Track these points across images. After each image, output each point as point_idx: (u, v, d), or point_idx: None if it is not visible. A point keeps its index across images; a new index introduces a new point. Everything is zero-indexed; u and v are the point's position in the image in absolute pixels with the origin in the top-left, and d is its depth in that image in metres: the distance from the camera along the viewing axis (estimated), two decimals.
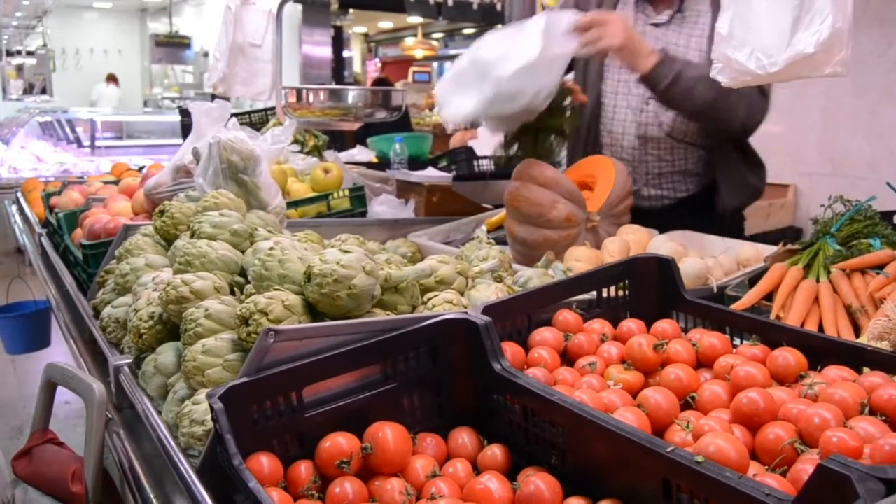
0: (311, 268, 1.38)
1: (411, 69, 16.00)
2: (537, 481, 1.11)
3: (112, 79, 15.55)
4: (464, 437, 1.28)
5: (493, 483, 1.12)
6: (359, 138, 5.42)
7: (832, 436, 1.01)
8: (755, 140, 2.61)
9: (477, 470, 1.22)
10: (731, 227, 2.57)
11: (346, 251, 1.40)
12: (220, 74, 4.38)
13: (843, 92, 4.85)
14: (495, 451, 1.24)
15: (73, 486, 1.59)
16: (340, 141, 5.18)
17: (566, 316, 1.52)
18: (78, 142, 8.07)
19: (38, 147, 7.42)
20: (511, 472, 1.19)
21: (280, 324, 1.31)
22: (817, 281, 1.75)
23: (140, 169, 3.93)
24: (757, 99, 2.41)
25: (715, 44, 1.89)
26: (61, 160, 7.12)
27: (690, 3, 2.55)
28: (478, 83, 2.09)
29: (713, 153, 2.59)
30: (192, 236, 1.78)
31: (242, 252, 1.72)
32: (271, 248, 1.49)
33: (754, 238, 2.62)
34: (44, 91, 13.06)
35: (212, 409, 1.11)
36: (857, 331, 1.65)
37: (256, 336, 1.29)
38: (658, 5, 2.59)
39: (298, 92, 2.71)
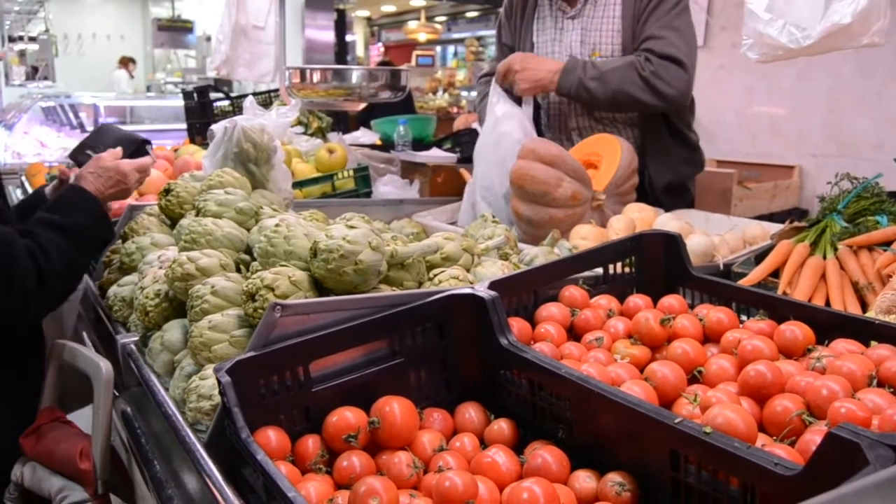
0: (317, 243, 1.38)
1: (414, 53, 15.95)
2: (544, 454, 1.11)
3: (125, 62, 15.48)
4: (470, 412, 1.28)
5: (500, 456, 1.12)
6: (362, 121, 5.39)
7: (840, 406, 1.00)
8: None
9: (484, 444, 1.23)
10: (669, 202, 2.60)
11: (352, 227, 1.39)
12: (223, 57, 4.35)
13: (849, 73, 4.81)
14: (502, 426, 1.24)
15: (82, 463, 1.60)
16: (344, 124, 5.15)
17: (573, 292, 1.51)
18: (81, 127, 8.04)
19: (42, 132, 7.40)
20: (518, 447, 1.19)
21: (286, 299, 1.31)
22: (824, 258, 1.75)
23: None
24: (675, 73, 2.50)
25: (745, 20, 1.87)
26: (65, 145, 7.11)
27: None
28: None
29: (644, 131, 2.68)
30: (197, 214, 1.78)
31: (248, 230, 1.72)
32: (277, 225, 1.49)
33: (759, 219, 2.61)
34: (46, 77, 13.01)
35: (219, 382, 1.11)
36: (864, 307, 1.65)
37: (263, 311, 1.29)
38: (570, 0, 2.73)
39: (302, 72, 2.69)
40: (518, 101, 2.67)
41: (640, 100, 2.52)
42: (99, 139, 2.23)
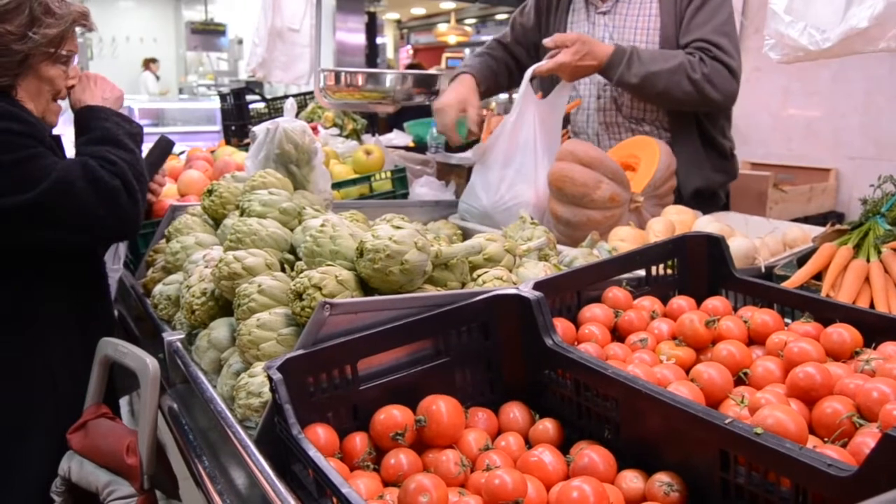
0: (363, 243, 1.39)
1: (444, 55, 15.96)
2: (591, 454, 1.11)
3: (147, 64, 15.67)
4: (515, 412, 1.29)
5: (546, 455, 1.13)
6: (392, 123, 5.42)
7: (893, 409, 1.00)
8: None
9: (529, 444, 1.23)
10: (698, 209, 2.57)
11: (397, 227, 1.41)
12: (260, 59, 4.41)
13: (886, 74, 4.75)
14: (547, 426, 1.24)
15: (128, 458, 1.63)
16: (374, 126, 5.19)
17: (616, 293, 1.52)
18: None
19: None
20: (563, 447, 1.20)
21: (333, 298, 1.32)
22: (868, 260, 1.73)
23: (180, 154, 3.98)
24: (726, 79, 2.47)
25: (767, 20, 1.88)
26: None
27: None
28: None
29: (675, 136, 2.65)
30: (241, 214, 1.80)
31: (291, 230, 1.74)
32: (322, 226, 1.51)
33: (794, 222, 2.59)
34: None
35: (270, 379, 1.13)
36: None
37: (310, 310, 1.31)
38: None
39: (337, 74, 2.71)
40: (545, 89, 2.69)
41: (683, 102, 2.51)
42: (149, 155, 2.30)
